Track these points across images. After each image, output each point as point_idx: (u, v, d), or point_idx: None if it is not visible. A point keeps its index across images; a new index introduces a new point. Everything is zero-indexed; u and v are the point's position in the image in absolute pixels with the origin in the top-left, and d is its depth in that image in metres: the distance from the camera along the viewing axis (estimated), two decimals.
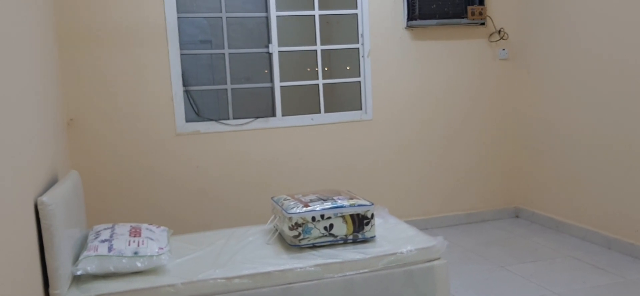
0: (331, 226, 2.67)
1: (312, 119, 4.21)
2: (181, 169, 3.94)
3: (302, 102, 4.26)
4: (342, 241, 2.70)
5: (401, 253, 2.58)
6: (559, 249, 3.79)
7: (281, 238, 2.86)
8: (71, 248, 2.42)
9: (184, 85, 3.95)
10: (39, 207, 2.16)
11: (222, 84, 4.08)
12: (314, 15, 4.21)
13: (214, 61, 4.07)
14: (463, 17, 4.34)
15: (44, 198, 2.17)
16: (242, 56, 4.11)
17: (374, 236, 2.76)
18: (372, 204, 2.74)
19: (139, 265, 2.38)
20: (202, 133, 3.97)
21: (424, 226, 4.51)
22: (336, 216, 2.68)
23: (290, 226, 2.64)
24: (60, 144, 3.16)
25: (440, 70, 4.46)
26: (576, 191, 4.03)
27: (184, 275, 2.40)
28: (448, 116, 4.51)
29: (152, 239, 2.56)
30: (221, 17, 4.05)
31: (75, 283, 2.36)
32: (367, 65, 4.29)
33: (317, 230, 2.65)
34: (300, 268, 2.46)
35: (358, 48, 4.33)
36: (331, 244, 2.70)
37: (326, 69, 4.31)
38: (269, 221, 3.03)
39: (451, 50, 4.46)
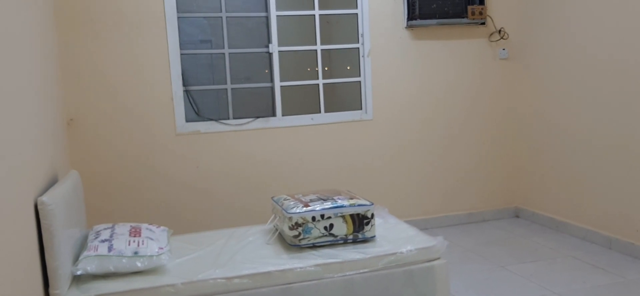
0: (331, 226, 2.67)
1: (312, 119, 4.21)
2: (181, 169, 3.94)
3: (302, 102, 4.26)
4: (342, 241, 2.70)
5: (401, 253, 2.58)
6: (559, 249, 3.79)
7: (281, 238, 2.86)
8: (71, 248, 2.42)
9: (184, 85, 3.95)
10: (39, 207, 2.16)
11: (222, 83, 4.08)
12: (314, 14, 4.21)
13: (214, 60, 4.07)
14: (463, 17, 4.34)
15: (44, 198, 2.17)
16: (242, 56, 4.11)
17: (374, 236, 2.76)
18: (372, 204, 2.74)
19: (139, 265, 2.38)
20: (202, 133, 3.97)
21: (424, 226, 4.51)
22: (336, 216, 2.68)
23: (291, 226, 2.64)
24: (60, 144, 3.16)
25: (440, 70, 4.45)
26: (576, 191, 4.03)
27: (184, 275, 2.40)
28: (448, 115, 4.51)
29: (152, 239, 2.56)
30: (221, 17, 4.04)
31: (75, 283, 2.35)
32: (367, 65, 4.29)
33: (317, 230, 2.65)
34: (300, 268, 2.46)
35: (358, 48, 4.33)
36: (331, 244, 2.70)
37: (326, 68, 4.31)
38: (269, 221, 3.03)
39: (451, 50, 4.46)
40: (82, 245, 2.66)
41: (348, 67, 4.36)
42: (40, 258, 2.21)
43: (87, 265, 2.32)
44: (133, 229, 2.65)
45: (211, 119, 4.01)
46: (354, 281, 2.50)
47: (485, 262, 3.61)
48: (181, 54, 3.93)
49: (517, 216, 4.73)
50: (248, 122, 4.07)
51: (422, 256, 2.61)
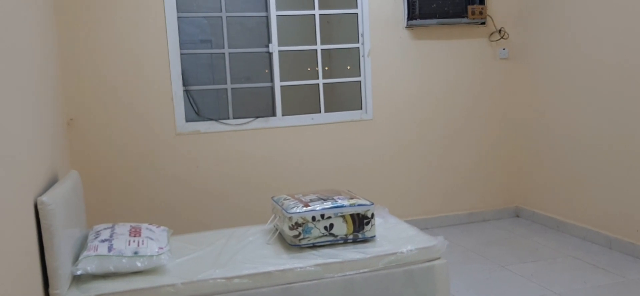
0: (331, 225, 2.67)
1: (312, 118, 4.21)
2: (181, 169, 3.94)
3: (302, 102, 4.26)
4: (342, 241, 2.70)
5: (401, 252, 2.57)
6: (560, 249, 3.79)
7: (281, 238, 2.86)
8: (71, 248, 2.42)
9: (184, 85, 3.95)
10: (39, 207, 2.16)
11: (222, 83, 4.08)
12: (314, 14, 4.21)
13: (214, 60, 4.07)
14: (463, 17, 4.33)
15: (44, 198, 2.16)
16: (242, 56, 4.11)
17: (374, 236, 2.75)
18: (372, 203, 2.74)
19: (139, 264, 2.38)
20: (202, 133, 3.97)
21: (425, 225, 4.50)
22: (336, 215, 2.67)
23: (291, 225, 2.64)
24: (60, 144, 3.16)
25: (440, 69, 4.45)
26: (577, 190, 4.02)
27: (184, 274, 2.40)
28: (448, 115, 4.50)
29: (152, 239, 2.56)
30: (221, 17, 4.04)
31: (75, 283, 2.35)
32: (367, 64, 4.29)
33: (317, 230, 2.65)
34: (301, 267, 2.46)
35: (358, 48, 4.33)
36: (331, 244, 2.70)
37: (326, 68, 4.30)
38: (269, 220, 3.03)
39: (451, 49, 4.46)
40: (82, 245, 2.66)
41: (348, 67, 4.35)
42: (40, 258, 2.21)
43: (87, 265, 2.32)
44: (133, 229, 2.64)
45: (211, 119, 4.01)
46: (354, 281, 2.49)
47: (485, 262, 3.61)
48: (181, 54, 3.93)
49: (518, 216, 4.73)
50: (248, 122, 4.06)
51: (423, 256, 2.61)
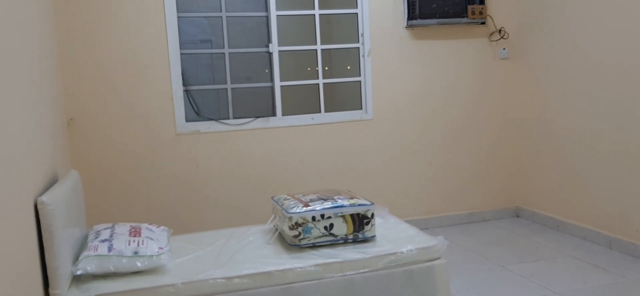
0: (331, 225, 2.67)
1: (312, 118, 4.21)
2: (181, 169, 3.94)
3: (302, 102, 4.26)
4: (342, 241, 2.70)
5: (401, 252, 2.57)
6: (560, 249, 3.79)
7: (281, 238, 2.86)
8: (71, 248, 2.42)
9: (184, 84, 3.95)
10: (39, 207, 2.16)
11: (222, 83, 4.08)
12: (314, 14, 4.21)
13: (214, 60, 4.07)
14: (463, 17, 4.33)
15: (44, 198, 2.16)
16: (242, 56, 4.11)
17: (374, 236, 2.75)
18: (372, 203, 2.74)
19: (139, 264, 2.38)
20: (202, 133, 3.97)
21: (425, 225, 4.50)
22: (336, 215, 2.67)
23: (291, 225, 2.64)
24: (60, 144, 3.16)
25: (440, 69, 4.45)
26: (577, 190, 4.02)
27: (184, 274, 2.40)
28: (448, 115, 4.50)
29: (152, 239, 2.56)
30: (221, 17, 4.04)
31: (75, 283, 2.35)
32: (367, 64, 4.29)
33: (317, 230, 2.65)
34: (301, 267, 2.46)
35: (358, 47, 4.33)
36: (331, 244, 2.70)
37: (326, 68, 4.30)
38: (269, 220, 3.03)
39: (451, 49, 4.46)
40: (82, 245, 2.66)
41: (348, 67, 4.35)
42: (40, 258, 2.21)
43: (87, 265, 2.32)
44: (133, 229, 2.64)
45: (211, 119, 4.01)
46: (354, 281, 2.49)
47: (485, 262, 3.61)
48: (181, 54, 3.93)
49: (518, 216, 4.73)
50: (248, 122, 4.06)
51: (423, 256, 2.60)
